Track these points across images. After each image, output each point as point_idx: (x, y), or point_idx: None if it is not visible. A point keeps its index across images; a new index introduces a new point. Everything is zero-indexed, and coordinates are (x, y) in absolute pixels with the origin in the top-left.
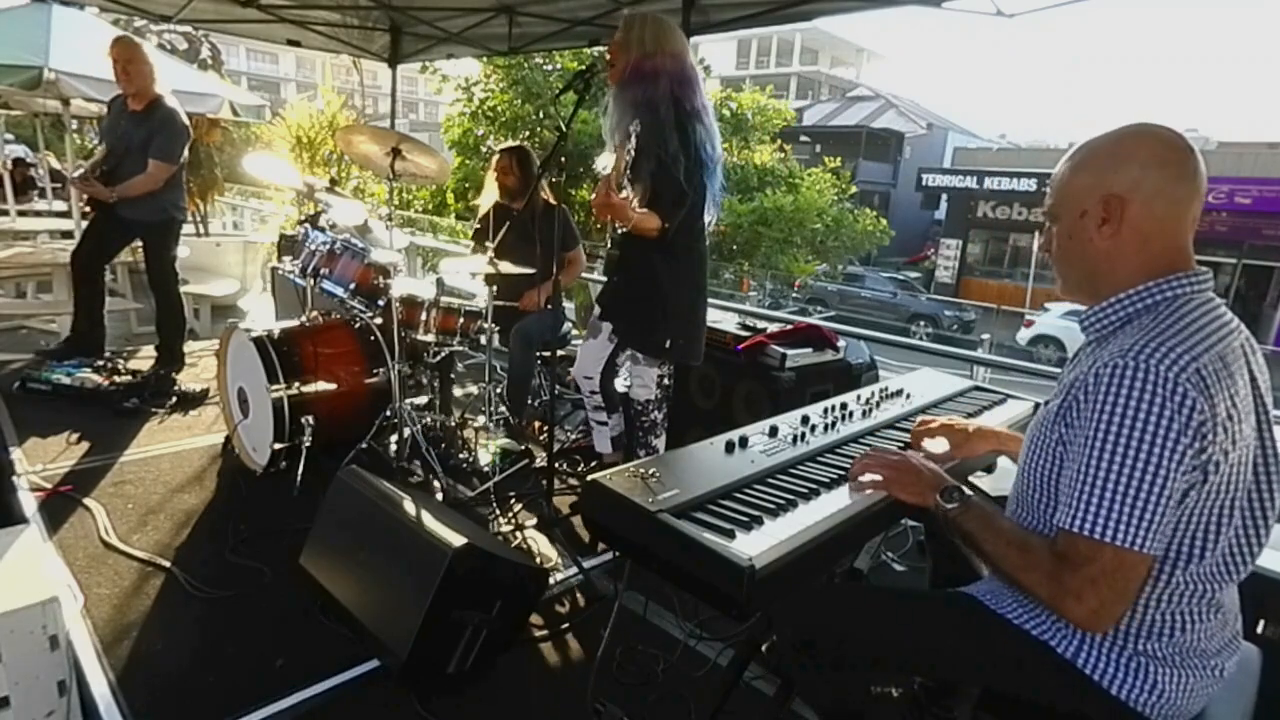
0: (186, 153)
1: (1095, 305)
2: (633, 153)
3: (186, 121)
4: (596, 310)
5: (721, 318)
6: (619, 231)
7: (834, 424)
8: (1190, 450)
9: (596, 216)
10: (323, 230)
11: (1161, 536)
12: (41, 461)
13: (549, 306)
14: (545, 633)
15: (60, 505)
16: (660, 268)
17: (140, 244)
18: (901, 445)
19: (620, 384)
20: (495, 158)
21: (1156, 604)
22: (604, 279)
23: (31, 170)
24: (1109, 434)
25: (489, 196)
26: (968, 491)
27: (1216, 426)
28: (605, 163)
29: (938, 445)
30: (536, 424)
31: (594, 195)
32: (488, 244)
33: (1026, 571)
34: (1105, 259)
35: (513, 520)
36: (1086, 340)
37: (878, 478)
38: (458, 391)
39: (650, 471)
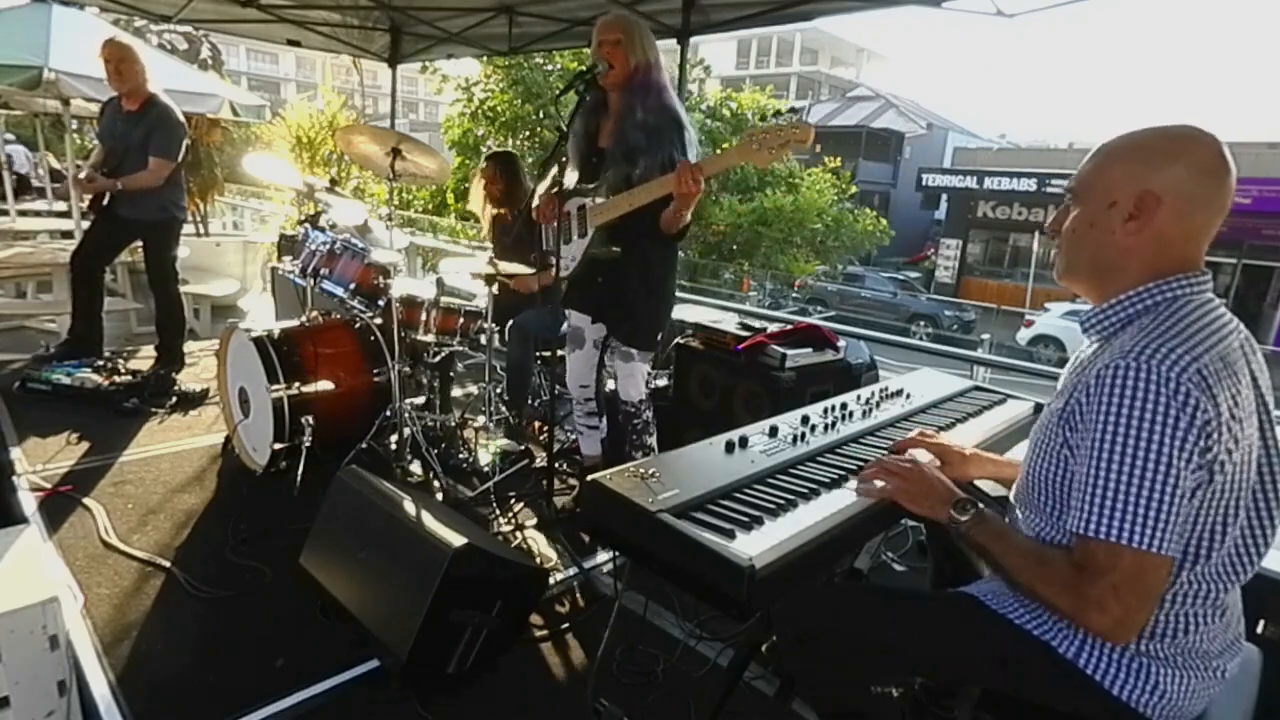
0: (185, 149)
1: (1097, 306)
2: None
3: (181, 117)
4: (577, 318)
5: (721, 318)
6: (602, 231)
7: (834, 424)
8: (1197, 449)
9: (680, 207)
10: (323, 230)
11: (1178, 537)
12: (41, 461)
13: (549, 305)
14: (545, 633)
15: (60, 505)
16: (655, 262)
17: (140, 244)
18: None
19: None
20: (481, 166)
21: (1160, 605)
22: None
23: (18, 168)
24: (1115, 436)
25: (476, 204)
26: (980, 504)
27: (1221, 426)
28: (567, 173)
29: (923, 457)
30: (536, 424)
31: (682, 183)
32: (488, 248)
33: (1046, 584)
34: (1120, 255)
35: (513, 520)
36: (1088, 341)
37: (888, 486)
38: (458, 391)
39: (650, 471)
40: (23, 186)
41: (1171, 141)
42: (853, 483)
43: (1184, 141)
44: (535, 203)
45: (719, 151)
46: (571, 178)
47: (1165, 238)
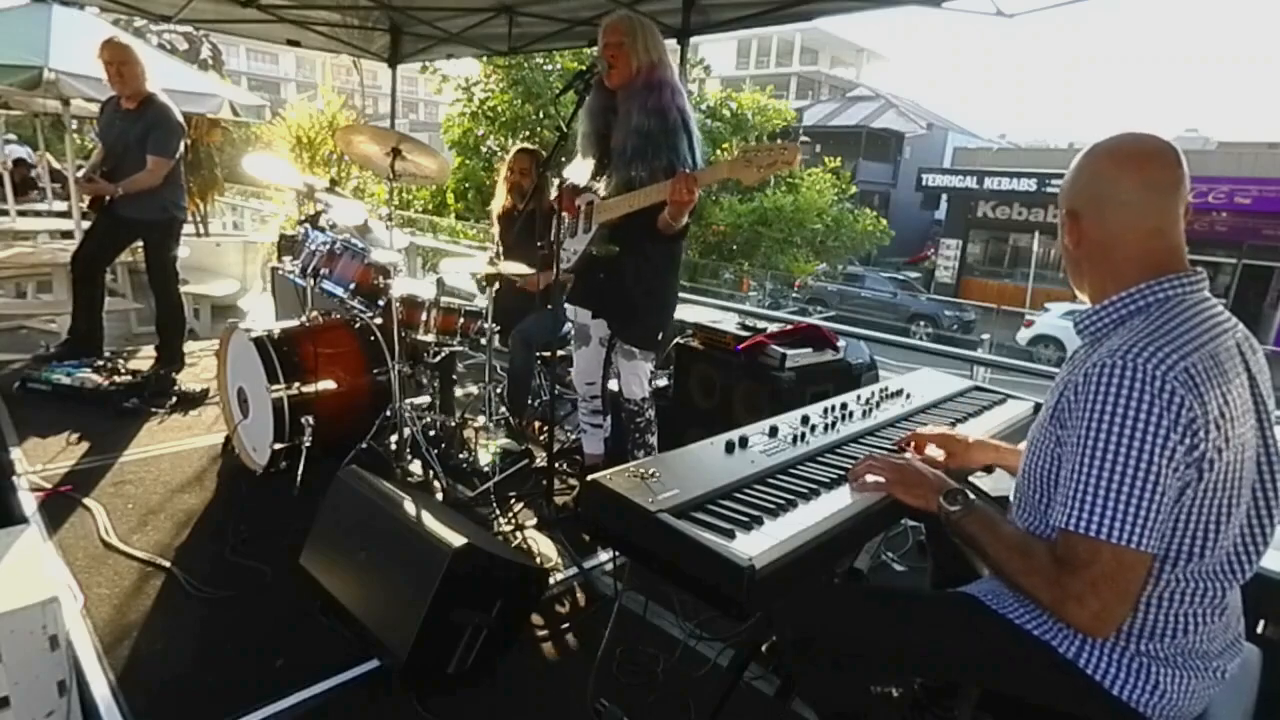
0: (184, 149)
1: (1090, 308)
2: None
3: (180, 117)
4: (582, 314)
5: (721, 318)
6: (603, 230)
7: (834, 424)
8: (1181, 447)
9: (675, 212)
10: (323, 230)
11: (1158, 534)
12: (41, 461)
13: (548, 307)
14: (545, 633)
15: (60, 505)
16: (656, 260)
17: (140, 244)
18: (897, 446)
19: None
20: (513, 157)
21: (1158, 604)
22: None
23: (32, 171)
24: (1099, 433)
25: (499, 200)
26: (971, 495)
27: (1208, 424)
28: (580, 170)
29: (933, 452)
30: (536, 424)
31: (677, 191)
32: (499, 245)
33: (1028, 576)
34: (1079, 263)
35: (513, 520)
36: (1082, 342)
37: (880, 479)
38: (458, 391)
39: (650, 471)
40: (28, 185)
41: (1079, 160)
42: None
43: (1085, 157)
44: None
45: (715, 157)
46: (584, 173)
47: (1102, 244)
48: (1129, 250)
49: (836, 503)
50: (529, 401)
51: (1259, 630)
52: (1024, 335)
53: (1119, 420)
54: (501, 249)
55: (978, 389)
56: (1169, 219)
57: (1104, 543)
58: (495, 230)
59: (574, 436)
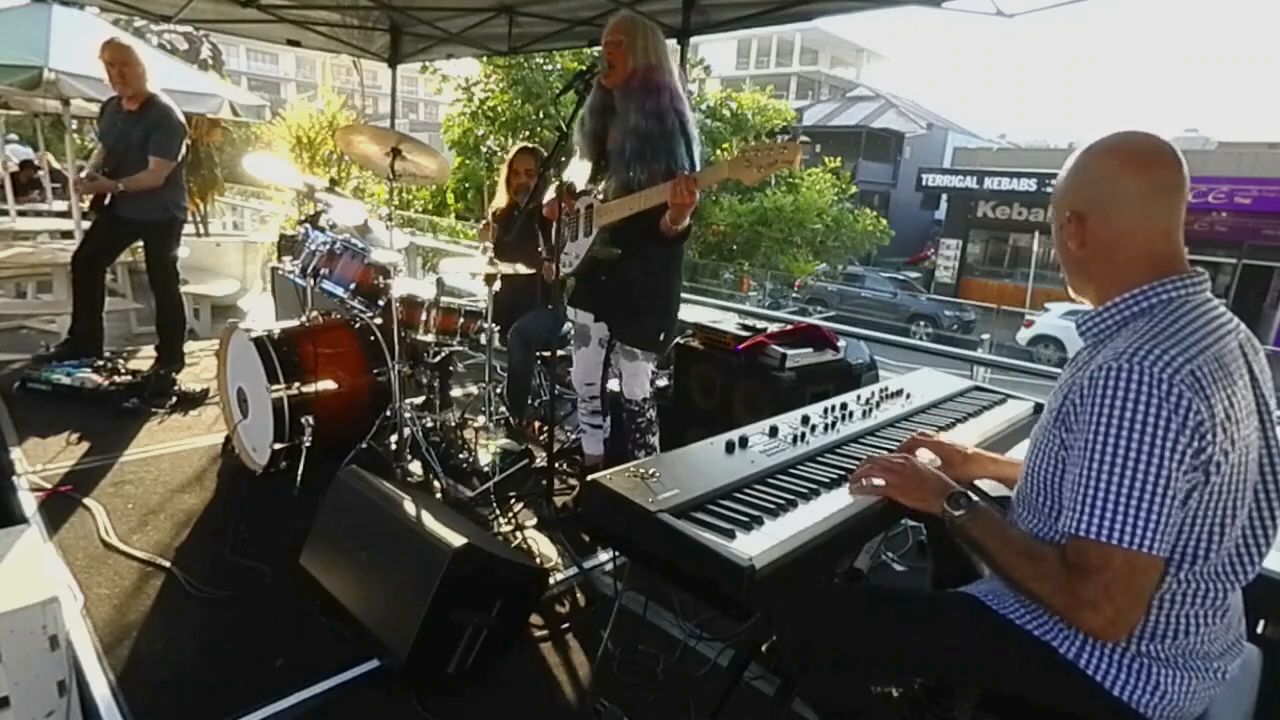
0: (185, 149)
1: (1093, 309)
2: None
3: (181, 118)
4: (582, 316)
5: (721, 318)
6: (604, 232)
7: (834, 424)
8: (1189, 450)
9: (676, 214)
10: (323, 230)
11: (1168, 537)
12: (41, 461)
13: (549, 306)
14: (545, 633)
15: (60, 505)
16: (659, 265)
17: (141, 244)
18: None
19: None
20: (516, 157)
21: (1159, 605)
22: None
23: (38, 173)
24: (1108, 437)
25: (501, 198)
26: (975, 498)
27: (1215, 427)
28: (578, 171)
29: (923, 456)
30: (536, 424)
31: (677, 194)
32: (506, 239)
33: (1038, 581)
34: (1083, 265)
35: (513, 520)
36: (1084, 344)
37: (880, 482)
38: (457, 391)
39: (650, 471)
40: (33, 185)
41: (1084, 157)
42: None
43: (1091, 156)
44: (546, 198)
45: (715, 157)
46: (583, 175)
47: (1107, 245)
48: (1134, 251)
49: (836, 503)
50: (529, 401)
51: (1259, 630)
52: (1024, 335)
53: (1127, 424)
54: (490, 246)
55: (978, 389)
56: (1174, 221)
57: (1116, 548)
58: (487, 229)
59: (574, 436)
